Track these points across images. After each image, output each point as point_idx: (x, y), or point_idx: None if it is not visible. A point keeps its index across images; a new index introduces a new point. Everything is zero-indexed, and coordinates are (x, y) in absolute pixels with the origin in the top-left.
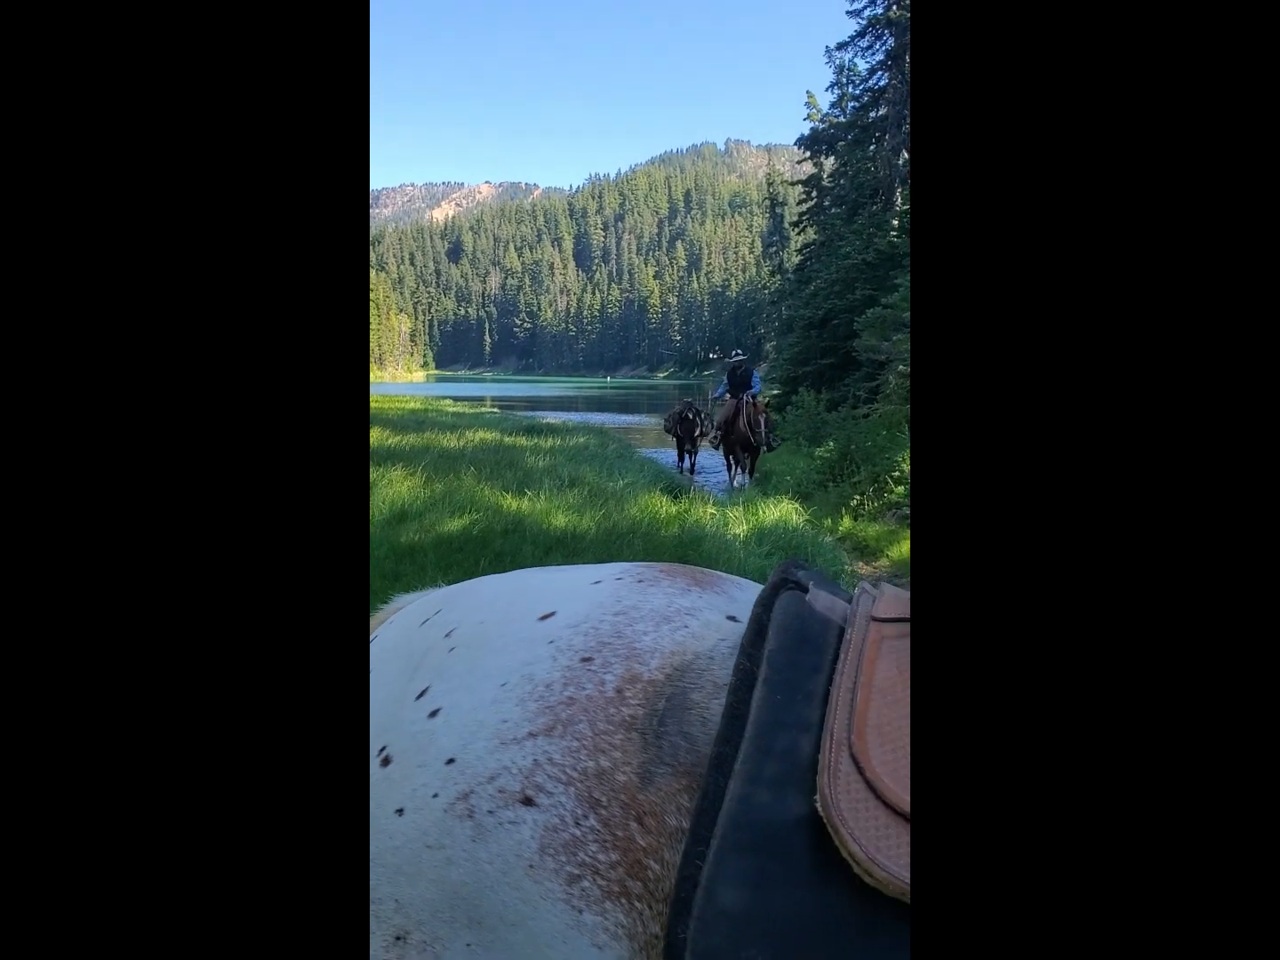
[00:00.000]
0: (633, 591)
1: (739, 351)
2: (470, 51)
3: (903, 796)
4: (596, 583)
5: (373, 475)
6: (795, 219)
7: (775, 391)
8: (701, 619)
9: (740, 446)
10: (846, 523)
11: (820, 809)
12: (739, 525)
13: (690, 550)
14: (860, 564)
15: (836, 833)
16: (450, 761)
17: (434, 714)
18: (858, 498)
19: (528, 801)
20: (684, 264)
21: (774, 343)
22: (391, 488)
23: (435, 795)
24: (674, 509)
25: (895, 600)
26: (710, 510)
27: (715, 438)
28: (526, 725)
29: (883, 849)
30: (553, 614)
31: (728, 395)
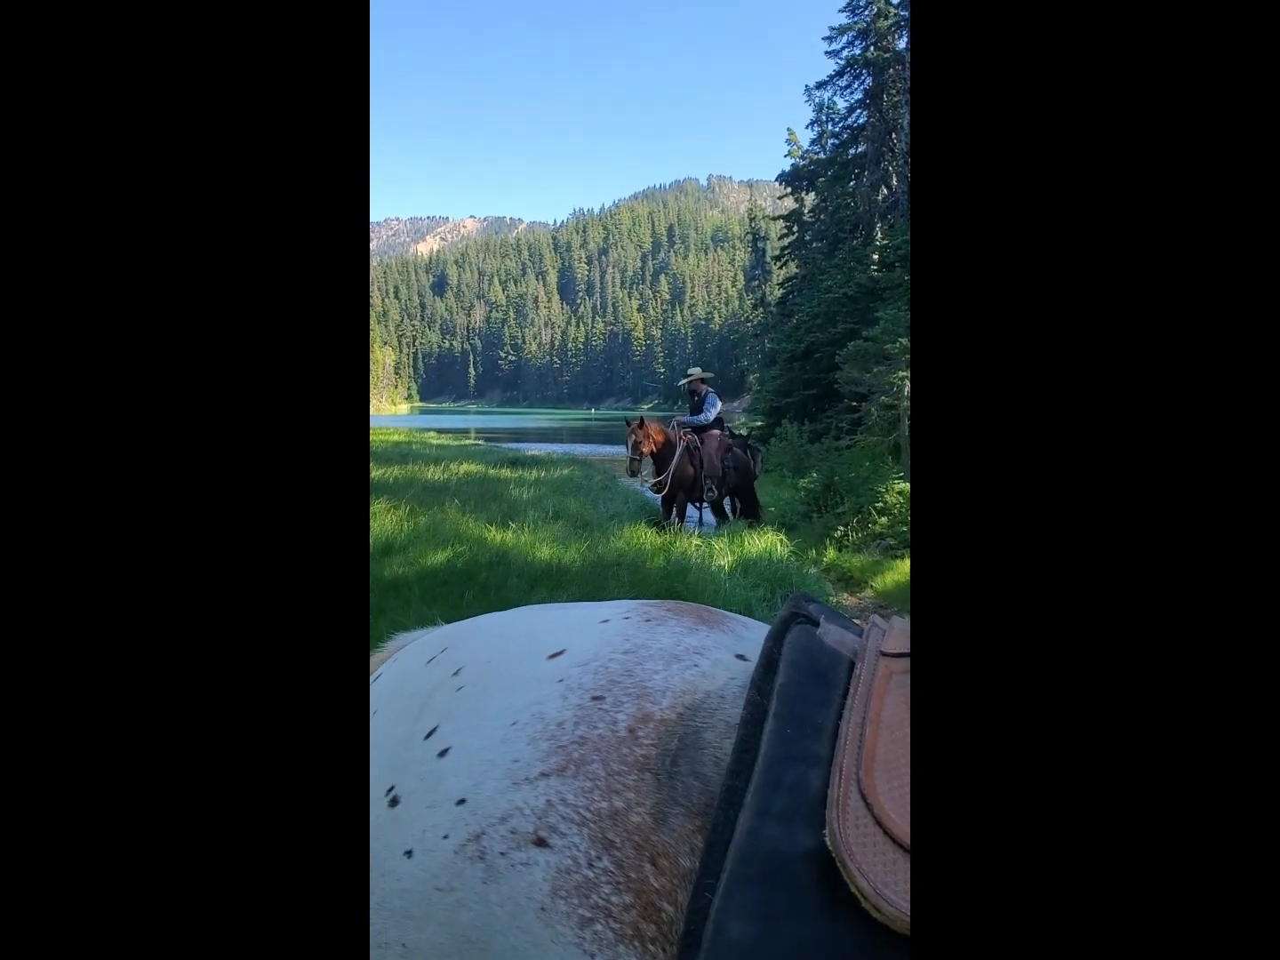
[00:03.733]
0: (640, 630)
1: (695, 370)
2: (455, 87)
3: (908, 832)
4: (604, 621)
5: None
6: (777, 253)
7: (759, 423)
8: (711, 658)
9: (685, 493)
10: (831, 554)
11: (829, 843)
12: (724, 557)
13: (676, 581)
14: (845, 595)
15: (844, 867)
16: (461, 802)
17: (443, 753)
18: (841, 529)
19: (540, 843)
20: (667, 297)
21: (757, 375)
22: (376, 521)
23: (446, 836)
24: (659, 540)
25: (904, 635)
26: (695, 542)
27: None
28: (539, 765)
29: (890, 884)
30: (561, 652)
31: (674, 425)
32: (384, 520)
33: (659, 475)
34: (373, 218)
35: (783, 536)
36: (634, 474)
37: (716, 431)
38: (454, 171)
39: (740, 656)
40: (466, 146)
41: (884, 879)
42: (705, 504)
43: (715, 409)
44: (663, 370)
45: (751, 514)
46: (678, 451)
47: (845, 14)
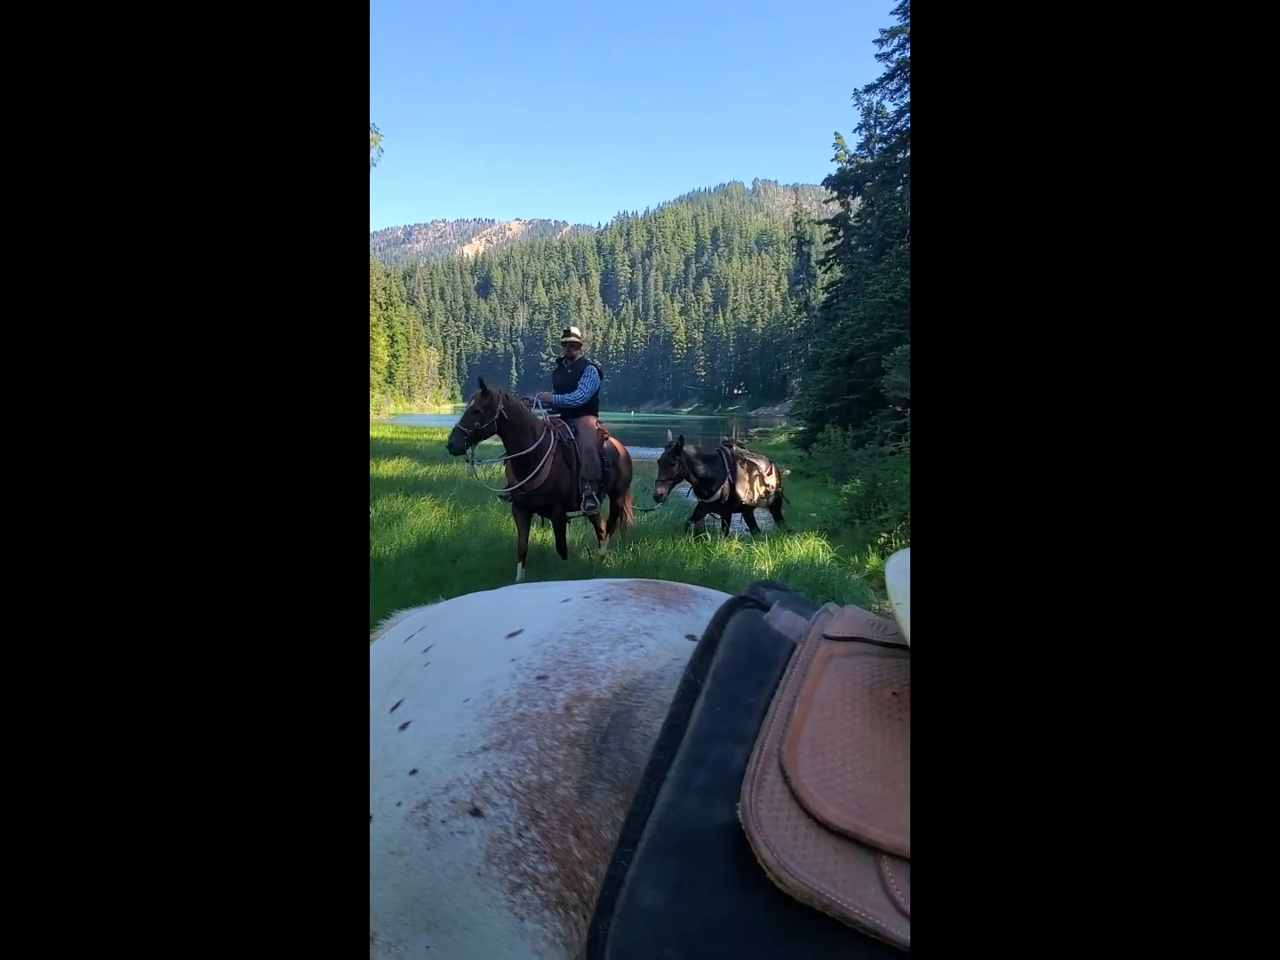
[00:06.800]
0: (596, 610)
1: (572, 331)
2: (504, 93)
3: (825, 806)
4: (565, 600)
5: (402, 505)
6: (822, 257)
7: (801, 428)
8: (659, 638)
9: (561, 503)
10: (874, 560)
11: (740, 815)
12: (765, 561)
13: (715, 585)
14: (886, 602)
15: (752, 839)
16: (413, 772)
17: (404, 727)
18: (885, 535)
19: (476, 812)
20: (710, 301)
21: (799, 379)
22: (420, 517)
23: (399, 804)
24: (698, 544)
25: (852, 620)
26: (735, 546)
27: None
28: (481, 739)
29: (796, 856)
30: (519, 632)
31: (539, 405)
32: (427, 517)
33: (519, 474)
34: (420, 219)
35: (824, 542)
36: (458, 450)
37: (592, 418)
38: (500, 174)
39: (690, 637)
40: (513, 150)
41: (790, 851)
42: (583, 515)
43: (593, 388)
44: (704, 374)
45: (620, 523)
46: (550, 446)
47: (896, 16)
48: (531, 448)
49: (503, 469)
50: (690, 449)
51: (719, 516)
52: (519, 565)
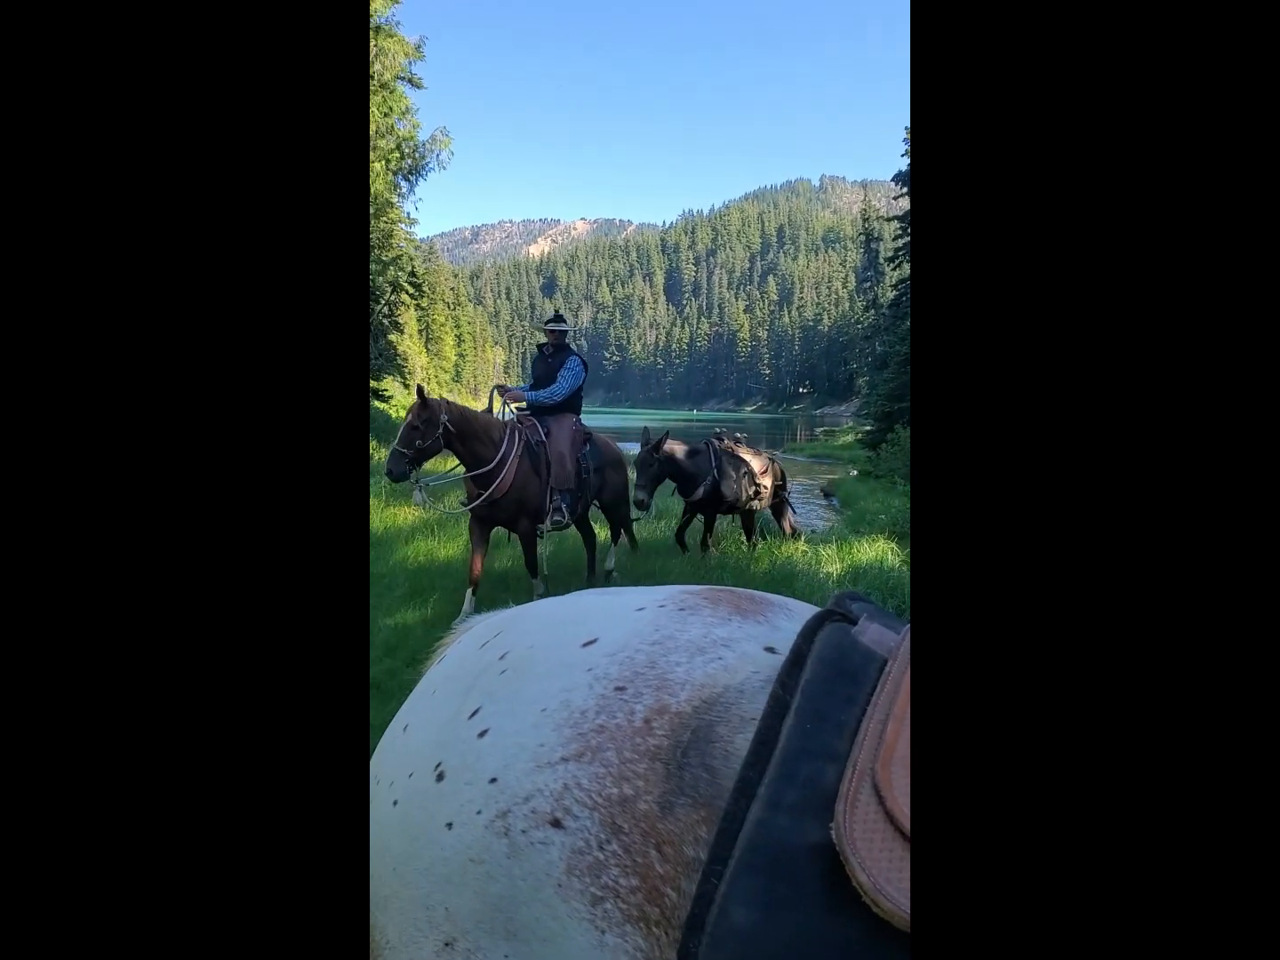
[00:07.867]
0: (672, 620)
1: (562, 316)
2: (571, 95)
3: None
4: (640, 609)
5: None
6: (890, 254)
7: (869, 428)
8: (737, 651)
9: (529, 517)
10: None
11: (834, 836)
12: (832, 564)
13: (782, 588)
14: None
15: (847, 861)
16: (493, 781)
17: (483, 734)
18: None
19: (556, 823)
20: (775, 298)
21: (867, 378)
22: None
23: (479, 812)
24: (763, 545)
25: None
26: (802, 547)
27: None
28: (560, 750)
29: (893, 880)
30: (595, 641)
31: (503, 403)
32: None
33: (481, 486)
34: (487, 220)
35: (894, 545)
36: (398, 476)
37: (570, 416)
38: (566, 175)
39: (769, 649)
40: (579, 151)
41: (887, 874)
42: (549, 530)
43: (574, 382)
44: (768, 372)
45: (624, 533)
46: (513, 450)
47: None
48: (494, 461)
49: (463, 491)
50: (673, 446)
51: (702, 517)
52: (469, 593)
